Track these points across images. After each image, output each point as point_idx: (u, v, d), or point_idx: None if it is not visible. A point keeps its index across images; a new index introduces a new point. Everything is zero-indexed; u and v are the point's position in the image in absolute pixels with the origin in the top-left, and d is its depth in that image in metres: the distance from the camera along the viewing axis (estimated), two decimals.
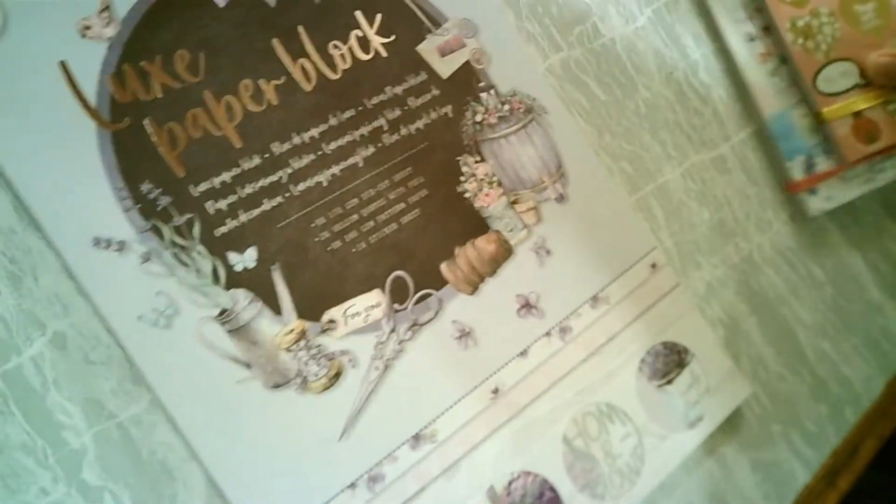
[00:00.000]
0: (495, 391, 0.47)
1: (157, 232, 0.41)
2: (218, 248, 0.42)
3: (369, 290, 0.45)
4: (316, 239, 0.45)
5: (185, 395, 0.39)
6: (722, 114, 0.63)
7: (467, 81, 0.51)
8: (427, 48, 0.51)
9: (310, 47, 0.47)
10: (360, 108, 0.48)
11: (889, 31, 0.61)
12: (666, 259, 0.55)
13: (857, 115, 0.60)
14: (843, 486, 0.60)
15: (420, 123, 0.49)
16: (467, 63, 0.51)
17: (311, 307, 0.44)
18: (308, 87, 0.46)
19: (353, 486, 0.42)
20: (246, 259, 0.43)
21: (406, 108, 0.49)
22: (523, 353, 0.48)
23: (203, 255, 0.42)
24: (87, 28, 0.42)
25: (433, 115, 0.50)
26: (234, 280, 0.42)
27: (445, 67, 0.51)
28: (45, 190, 0.39)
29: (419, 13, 0.51)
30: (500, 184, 0.50)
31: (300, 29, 0.47)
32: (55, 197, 0.39)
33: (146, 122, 0.42)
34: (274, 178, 0.44)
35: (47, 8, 0.41)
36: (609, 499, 0.48)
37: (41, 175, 0.39)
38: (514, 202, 0.50)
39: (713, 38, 0.63)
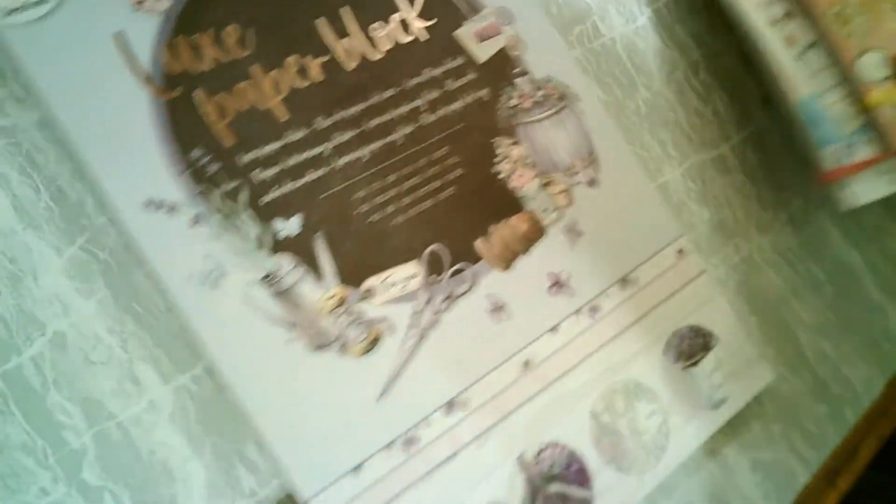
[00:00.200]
0: (526, 364, 0.48)
1: (206, 197, 0.42)
2: (264, 215, 0.44)
3: (407, 261, 0.46)
4: (357, 211, 0.46)
5: (234, 352, 0.41)
6: (722, 114, 0.63)
7: (503, 67, 0.53)
8: (465, 33, 0.52)
9: (353, 27, 0.49)
10: (400, 89, 0.49)
11: None
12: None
13: None
14: (843, 486, 0.60)
15: (457, 105, 0.51)
16: (503, 49, 0.53)
17: (351, 275, 0.45)
18: (350, 66, 0.48)
19: (389, 446, 0.43)
20: (290, 226, 0.44)
21: (444, 89, 0.50)
22: (554, 329, 0.49)
23: (249, 221, 0.43)
24: (140, 3, 0.44)
25: (469, 98, 0.51)
26: (279, 246, 0.43)
27: (482, 53, 0.52)
28: (103, 154, 0.41)
29: None
30: (533, 166, 0.52)
31: (344, 9, 0.49)
32: (112, 160, 0.41)
33: (196, 92, 0.44)
34: (317, 150, 0.46)
35: None
36: (635, 473, 0.49)
37: (100, 140, 0.41)
38: (547, 184, 0.52)
39: (723, 30, 0.61)
